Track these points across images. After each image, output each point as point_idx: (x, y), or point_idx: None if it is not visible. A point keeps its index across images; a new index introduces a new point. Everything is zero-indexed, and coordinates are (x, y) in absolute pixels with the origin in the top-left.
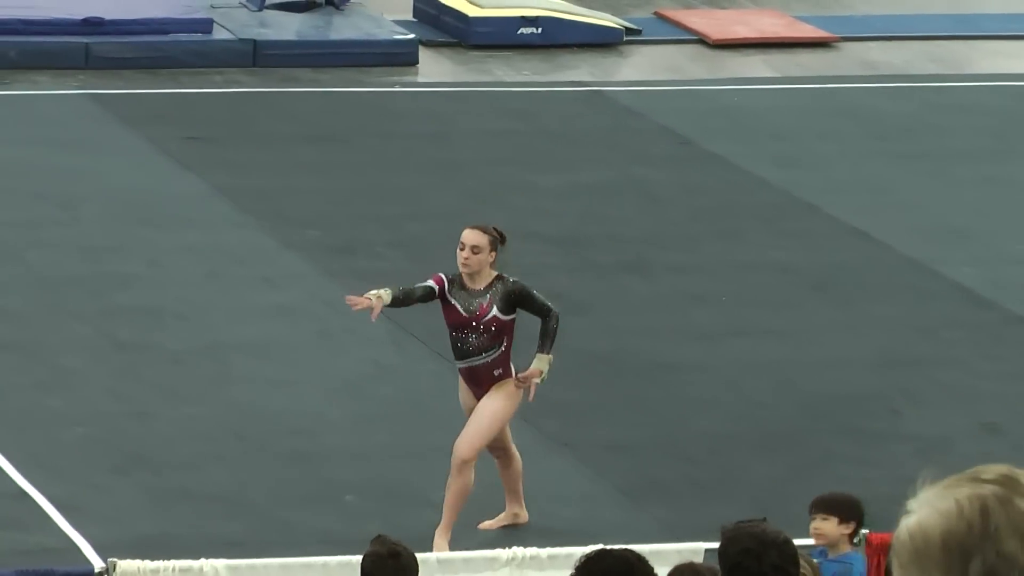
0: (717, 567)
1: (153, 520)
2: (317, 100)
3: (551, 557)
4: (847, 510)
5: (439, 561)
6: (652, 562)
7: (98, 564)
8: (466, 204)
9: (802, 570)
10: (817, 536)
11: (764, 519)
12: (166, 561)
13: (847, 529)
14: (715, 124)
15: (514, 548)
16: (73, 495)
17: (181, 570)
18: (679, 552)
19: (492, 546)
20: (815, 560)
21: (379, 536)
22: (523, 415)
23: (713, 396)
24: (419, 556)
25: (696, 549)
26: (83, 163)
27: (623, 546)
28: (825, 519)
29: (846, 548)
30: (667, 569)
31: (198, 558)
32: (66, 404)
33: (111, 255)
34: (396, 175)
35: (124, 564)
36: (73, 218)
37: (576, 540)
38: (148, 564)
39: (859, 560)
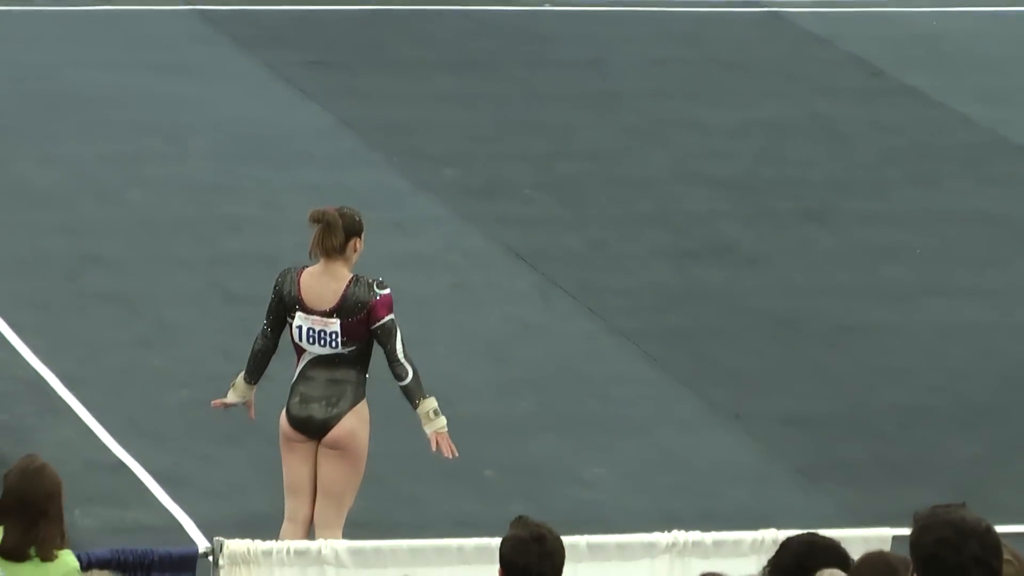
0: (908, 558)
1: (265, 496)
2: (457, 21)
3: (716, 543)
4: None
5: (589, 546)
6: None
7: (203, 544)
8: (625, 142)
9: (1007, 561)
10: None
11: (963, 504)
12: (279, 542)
13: None
14: (912, 53)
15: (674, 532)
16: (176, 466)
17: (297, 552)
18: (865, 539)
19: (648, 529)
20: None
21: (521, 517)
22: (687, 382)
23: (906, 364)
24: (566, 540)
25: (883, 536)
26: (192, 90)
27: (809, 531)
28: None
29: None
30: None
31: (316, 539)
32: (170, 363)
33: (222, 195)
34: (545, 108)
35: (232, 544)
36: (180, 153)
37: (745, 524)
38: (259, 545)
39: None
